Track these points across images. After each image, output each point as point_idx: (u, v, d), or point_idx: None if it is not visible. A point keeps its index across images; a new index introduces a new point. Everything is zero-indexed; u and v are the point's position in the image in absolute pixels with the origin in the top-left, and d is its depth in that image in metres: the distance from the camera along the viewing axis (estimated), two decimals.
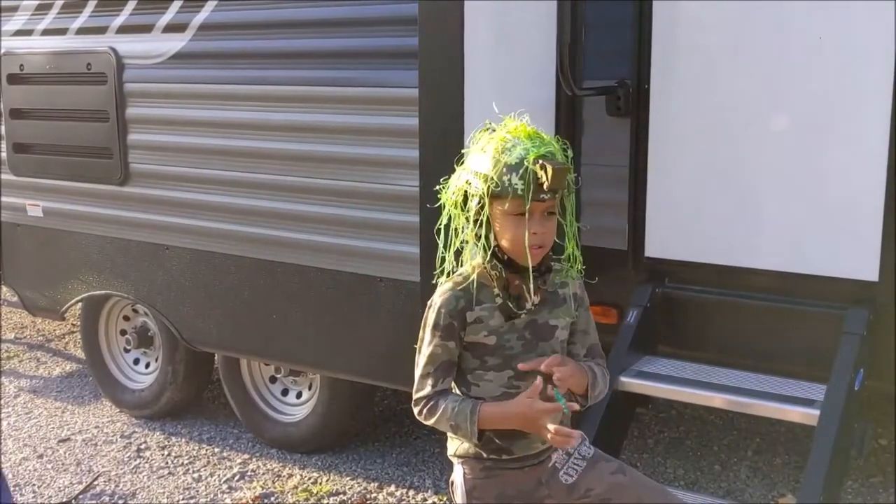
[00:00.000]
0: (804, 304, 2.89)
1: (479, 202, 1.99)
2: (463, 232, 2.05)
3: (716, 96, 2.94)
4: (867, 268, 2.77)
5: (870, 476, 3.72)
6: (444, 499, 3.65)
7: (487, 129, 2.05)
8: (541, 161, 1.93)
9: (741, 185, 2.94)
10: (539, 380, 1.98)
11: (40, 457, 4.17)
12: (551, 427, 1.95)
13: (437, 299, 2.08)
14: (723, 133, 2.94)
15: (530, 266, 2.00)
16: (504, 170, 1.94)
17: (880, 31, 2.64)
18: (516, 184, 1.93)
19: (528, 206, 1.95)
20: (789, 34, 2.80)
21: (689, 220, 3.04)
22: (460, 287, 2.06)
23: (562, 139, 2.08)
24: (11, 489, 3.85)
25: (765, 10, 2.80)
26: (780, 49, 2.81)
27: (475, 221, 2.00)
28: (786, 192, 2.88)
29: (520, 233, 1.97)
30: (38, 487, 3.89)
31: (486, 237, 2.01)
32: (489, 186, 1.95)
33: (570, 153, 2.04)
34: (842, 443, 2.66)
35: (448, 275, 2.10)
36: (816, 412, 2.68)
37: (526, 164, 1.93)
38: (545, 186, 1.93)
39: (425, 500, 3.69)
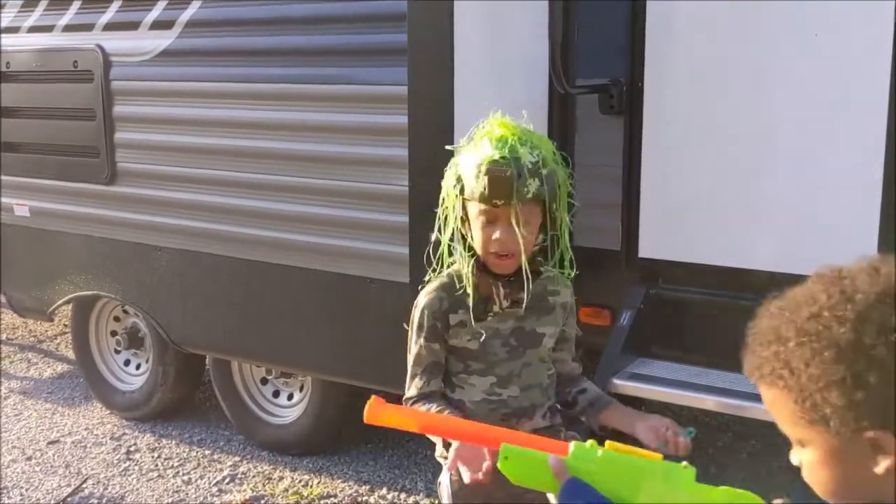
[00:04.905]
0: None
1: (458, 200, 1.96)
2: (449, 228, 2.02)
3: (710, 95, 2.90)
4: None
5: None
6: (436, 501, 3.61)
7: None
8: (488, 167, 1.87)
9: (736, 185, 2.90)
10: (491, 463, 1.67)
11: (29, 459, 4.13)
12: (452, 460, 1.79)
13: (421, 299, 2.06)
14: (717, 132, 2.91)
15: (522, 271, 1.95)
16: (469, 171, 1.91)
17: (878, 29, 2.61)
18: (475, 187, 1.90)
19: (480, 210, 1.90)
20: (784, 32, 2.76)
21: (683, 220, 3.00)
22: (444, 288, 2.02)
23: (554, 141, 2.03)
24: None
25: (760, 7, 2.77)
26: (776, 47, 2.78)
27: (456, 218, 1.97)
28: (781, 192, 2.84)
29: (485, 237, 1.93)
30: (26, 490, 3.85)
31: (464, 237, 1.99)
32: (459, 186, 1.93)
33: (548, 154, 1.95)
34: None
35: (440, 267, 2.07)
36: None
37: (478, 169, 1.88)
38: (485, 194, 1.87)
39: (417, 502, 3.66)
